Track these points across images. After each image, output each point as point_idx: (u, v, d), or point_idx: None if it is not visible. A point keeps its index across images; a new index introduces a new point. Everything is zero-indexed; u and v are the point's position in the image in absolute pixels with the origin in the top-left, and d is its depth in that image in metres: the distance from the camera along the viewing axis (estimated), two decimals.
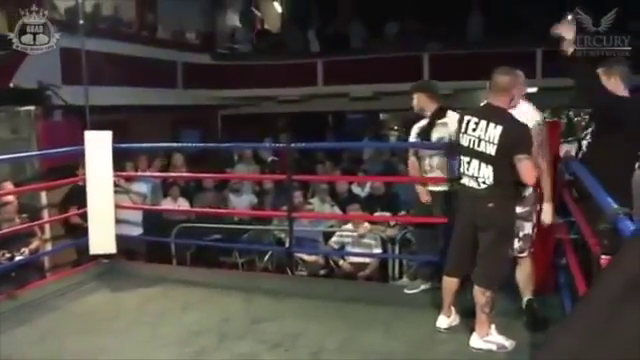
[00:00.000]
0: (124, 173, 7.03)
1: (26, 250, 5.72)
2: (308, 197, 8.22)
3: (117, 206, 5.80)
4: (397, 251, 6.94)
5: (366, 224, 7.01)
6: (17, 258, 5.58)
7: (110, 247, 5.58)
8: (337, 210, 7.96)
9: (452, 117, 4.52)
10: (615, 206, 2.39)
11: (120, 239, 5.78)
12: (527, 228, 4.03)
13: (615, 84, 3.87)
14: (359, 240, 6.97)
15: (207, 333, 4.19)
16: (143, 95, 10.90)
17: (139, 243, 7.16)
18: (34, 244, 5.90)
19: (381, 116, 21.22)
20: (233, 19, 16.00)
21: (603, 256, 2.39)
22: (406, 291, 4.91)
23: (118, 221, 5.82)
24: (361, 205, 7.58)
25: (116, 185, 5.91)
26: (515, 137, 3.59)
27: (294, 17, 16.21)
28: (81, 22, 6.14)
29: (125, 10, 11.86)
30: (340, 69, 13.33)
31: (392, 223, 7.25)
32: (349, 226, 7.15)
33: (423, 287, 4.86)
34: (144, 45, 11.45)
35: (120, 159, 6.58)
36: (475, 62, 11.04)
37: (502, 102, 3.70)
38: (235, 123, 14.75)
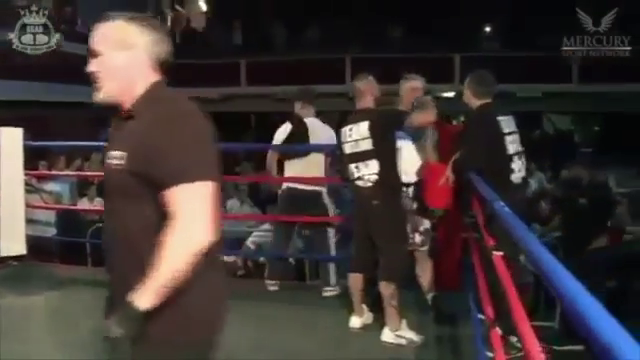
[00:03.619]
0: (36, 172, 6.78)
1: None
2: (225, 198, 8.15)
3: (28, 206, 5.62)
4: None
5: None
6: None
7: (20, 248, 5.39)
8: (257, 211, 7.96)
9: None
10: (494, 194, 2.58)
11: (32, 240, 5.60)
12: (427, 223, 4.25)
13: (467, 96, 4.08)
14: None
15: None
16: (58, 91, 10.55)
17: (52, 244, 6.92)
18: None
19: None
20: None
21: (494, 252, 2.50)
22: (324, 294, 5.02)
23: (29, 221, 5.63)
24: None
25: (27, 184, 5.72)
26: (386, 121, 3.98)
27: (219, 16, 16.08)
28: None
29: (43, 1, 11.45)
30: (264, 69, 13.32)
31: None
32: (266, 226, 7.14)
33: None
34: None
35: (34, 157, 6.37)
36: (396, 66, 11.29)
37: (365, 103, 4.08)
38: None
